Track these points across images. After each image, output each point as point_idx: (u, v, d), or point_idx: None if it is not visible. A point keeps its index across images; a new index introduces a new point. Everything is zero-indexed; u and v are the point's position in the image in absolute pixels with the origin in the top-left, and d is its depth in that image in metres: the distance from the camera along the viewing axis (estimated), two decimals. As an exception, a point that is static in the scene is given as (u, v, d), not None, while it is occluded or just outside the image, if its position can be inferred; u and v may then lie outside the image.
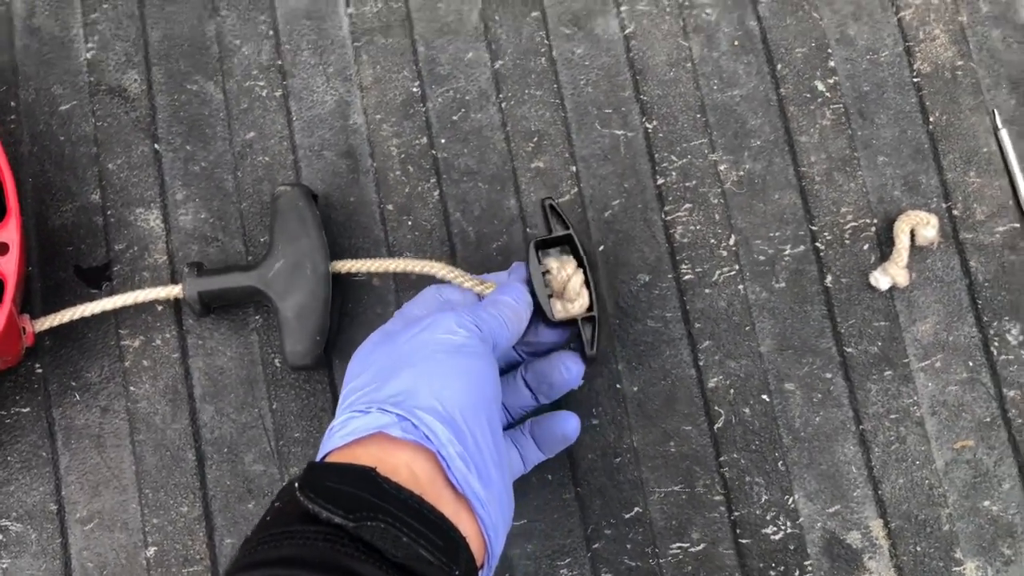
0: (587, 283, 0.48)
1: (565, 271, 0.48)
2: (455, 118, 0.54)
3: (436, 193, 0.53)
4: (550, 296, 0.48)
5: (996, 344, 0.51)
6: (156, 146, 0.54)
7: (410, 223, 0.53)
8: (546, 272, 0.48)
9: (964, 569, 0.49)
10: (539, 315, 0.47)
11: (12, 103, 0.55)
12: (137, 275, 0.53)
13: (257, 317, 0.52)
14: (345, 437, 0.37)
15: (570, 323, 0.48)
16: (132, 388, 0.51)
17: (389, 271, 0.50)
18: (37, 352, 0.52)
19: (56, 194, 0.54)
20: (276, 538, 0.32)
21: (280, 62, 0.55)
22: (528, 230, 0.52)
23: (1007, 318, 0.51)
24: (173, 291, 0.50)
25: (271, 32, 0.55)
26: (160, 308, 0.52)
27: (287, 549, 0.31)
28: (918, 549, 0.49)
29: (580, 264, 0.48)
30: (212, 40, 0.55)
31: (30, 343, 0.50)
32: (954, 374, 0.51)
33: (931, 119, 0.53)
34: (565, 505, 0.50)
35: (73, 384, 0.52)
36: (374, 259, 0.50)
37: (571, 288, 0.49)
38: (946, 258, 0.52)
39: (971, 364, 0.51)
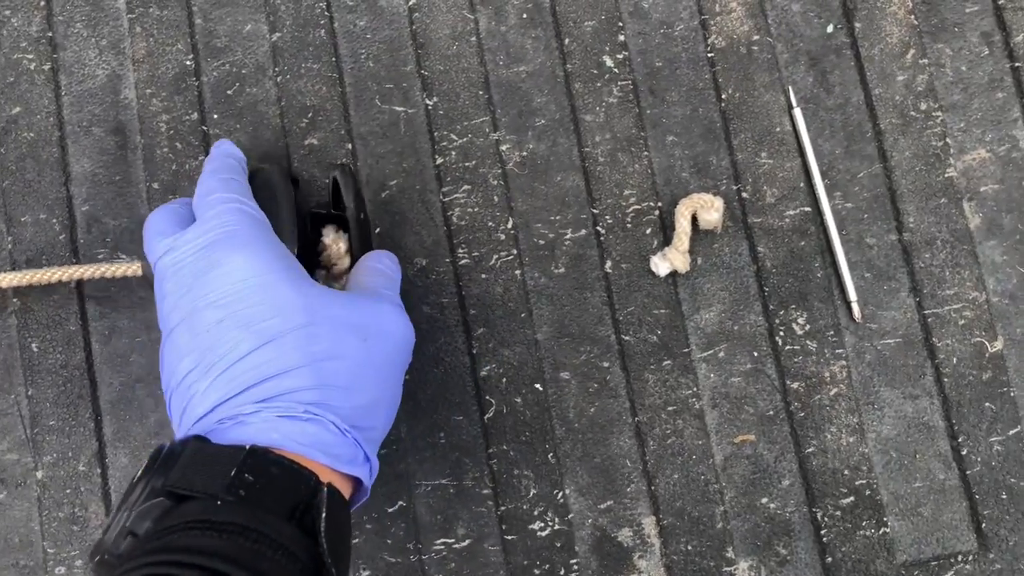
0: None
1: (338, 247, 0.47)
2: (229, 92, 0.51)
3: (204, 171, 0.50)
4: (317, 267, 0.48)
5: (782, 333, 0.48)
6: (-79, 121, 0.52)
7: (175, 203, 0.50)
8: (320, 246, 0.48)
9: (736, 569, 0.47)
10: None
11: None
12: None
13: (15, 300, 0.50)
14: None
15: None
16: None
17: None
18: None
19: None
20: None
21: (51, 34, 0.52)
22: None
23: (794, 307, 0.49)
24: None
25: (43, 3, 0.53)
26: (-82, 290, 0.50)
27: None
28: (689, 548, 0.47)
29: (350, 250, 0.47)
30: (-16, 10, 0.53)
31: None
32: (738, 365, 0.48)
33: (724, 96, 0.50)
34: (328, 498, 0.48)
35: None
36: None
37: (338, 268, 0.48)
38: (734, 243, 0.49)
39: (756, 355, 0.48)
